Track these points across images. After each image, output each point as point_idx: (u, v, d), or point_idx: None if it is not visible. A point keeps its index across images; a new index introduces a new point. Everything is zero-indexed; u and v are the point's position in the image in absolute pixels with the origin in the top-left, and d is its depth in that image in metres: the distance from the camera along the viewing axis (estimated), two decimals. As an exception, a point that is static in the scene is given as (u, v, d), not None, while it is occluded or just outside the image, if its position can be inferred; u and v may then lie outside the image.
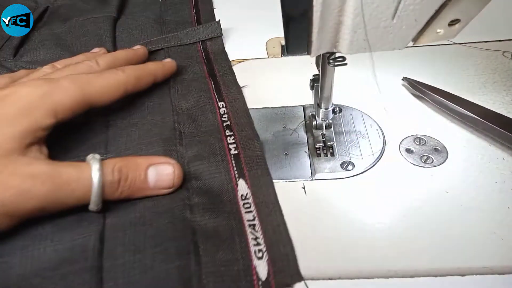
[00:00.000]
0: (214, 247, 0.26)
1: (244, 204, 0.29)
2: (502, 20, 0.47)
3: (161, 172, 0.29)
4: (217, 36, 0.49)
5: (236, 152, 0.33)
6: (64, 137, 0.33)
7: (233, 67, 0.45)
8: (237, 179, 0.31)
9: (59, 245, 0.25)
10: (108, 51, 0.43)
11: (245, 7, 0.56)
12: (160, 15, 0.52)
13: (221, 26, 0.49)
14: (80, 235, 0.26)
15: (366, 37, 0.22)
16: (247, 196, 0.29)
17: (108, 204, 0.28)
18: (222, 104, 0.38)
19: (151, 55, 0.45)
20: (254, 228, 0.28)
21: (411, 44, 0.24)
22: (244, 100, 0.39)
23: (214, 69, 0.43)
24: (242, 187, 0.30)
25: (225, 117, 0.36)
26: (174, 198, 0.29)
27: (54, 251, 0.25)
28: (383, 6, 0.21)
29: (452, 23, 0.22)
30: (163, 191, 0.29)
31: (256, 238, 0.27)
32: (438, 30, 0.23)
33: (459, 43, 0.44)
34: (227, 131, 0.35)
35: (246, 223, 0.28)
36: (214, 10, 0.54)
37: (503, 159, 0.32)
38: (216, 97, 0.39)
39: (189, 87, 0.40)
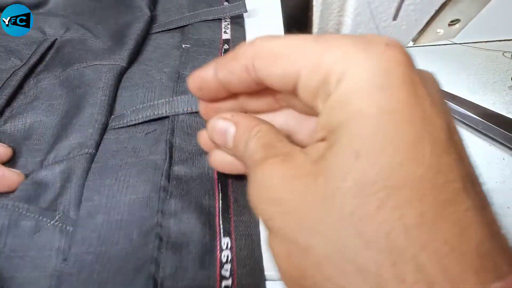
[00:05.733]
0: None
1: None
2: (502, 20, 0.47)
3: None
4: None
5: None
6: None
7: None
8: None
9: None
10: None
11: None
12: (178, 68, 0.40)
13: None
14: None
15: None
16: None
17: None
18: (227, 244, 0.25)
19: None
20: None
21: (411, 44, 0.24)
22: (259, 238, 0.26)
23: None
24: None
25: (226, 270, 0.24)
26: None
27: None
28: (383, 6, 0.21)
29: (452, 23, 0.22)
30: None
31: None
32: (438, 30, 0.23)
33: (459, 43, 0.43)
34: None
35: None
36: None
37: (503, 159, 0.32)
38: (221, 226, 0.26)
39: (187, 194, 0.28)
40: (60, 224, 0.27)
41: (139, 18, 0.45)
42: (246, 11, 0.46)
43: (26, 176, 0.30)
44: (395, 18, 0.21)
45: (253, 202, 0.16)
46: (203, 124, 0.36)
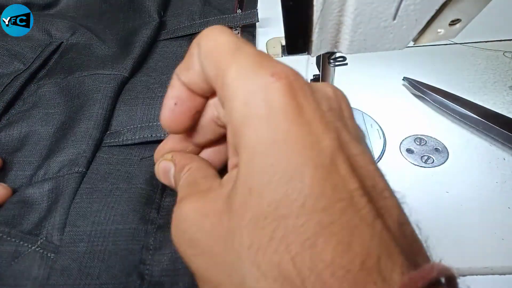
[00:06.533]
0: None
1: None
2: (502, 20, 0.47)
3: None
4: None
5: None
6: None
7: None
8: None
9: None
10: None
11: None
12: None
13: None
14: None
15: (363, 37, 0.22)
16: None
17: None
18: None
19: None
20: None
21: (411, 44, 0.24)
22: None
23: None
24: None
25: None
26: None
27: None
28: (383, 6, 0.21)
29: (453, 23, 0.22)
30: None
31: None
32: (439, 30, 0.23)
33: (460, 43, 0.43)
34: None
35: None
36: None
37: (504, 159, 0.32)
38: None
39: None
40: (41, 250, 0.24)
41: (147, 23, 0.43)
42: (258, 21, 0.45)
43: (14, 191, 0.28)
44: (395, 18, 0.21)
45: (174, 243, 0.16)
46: None
